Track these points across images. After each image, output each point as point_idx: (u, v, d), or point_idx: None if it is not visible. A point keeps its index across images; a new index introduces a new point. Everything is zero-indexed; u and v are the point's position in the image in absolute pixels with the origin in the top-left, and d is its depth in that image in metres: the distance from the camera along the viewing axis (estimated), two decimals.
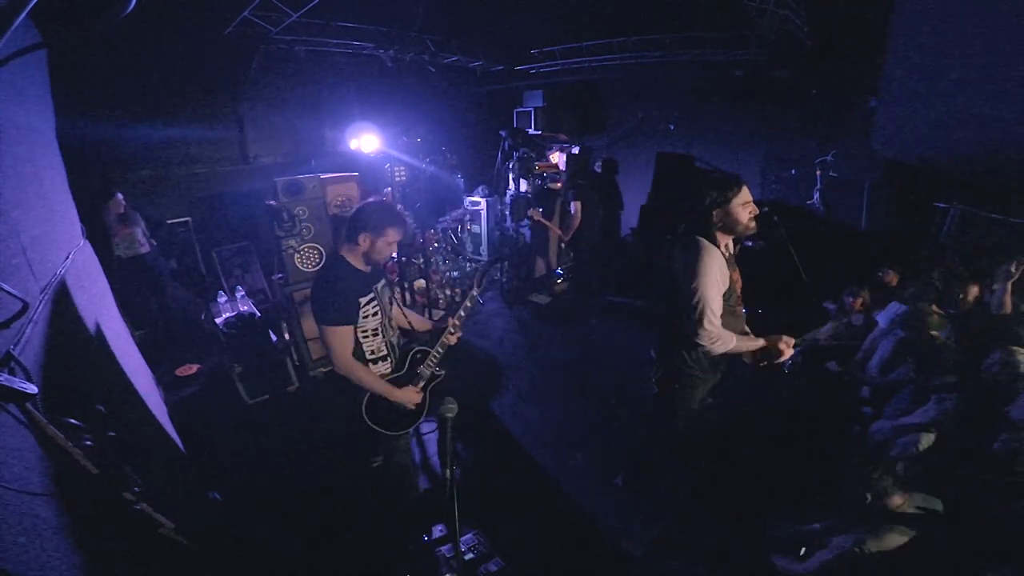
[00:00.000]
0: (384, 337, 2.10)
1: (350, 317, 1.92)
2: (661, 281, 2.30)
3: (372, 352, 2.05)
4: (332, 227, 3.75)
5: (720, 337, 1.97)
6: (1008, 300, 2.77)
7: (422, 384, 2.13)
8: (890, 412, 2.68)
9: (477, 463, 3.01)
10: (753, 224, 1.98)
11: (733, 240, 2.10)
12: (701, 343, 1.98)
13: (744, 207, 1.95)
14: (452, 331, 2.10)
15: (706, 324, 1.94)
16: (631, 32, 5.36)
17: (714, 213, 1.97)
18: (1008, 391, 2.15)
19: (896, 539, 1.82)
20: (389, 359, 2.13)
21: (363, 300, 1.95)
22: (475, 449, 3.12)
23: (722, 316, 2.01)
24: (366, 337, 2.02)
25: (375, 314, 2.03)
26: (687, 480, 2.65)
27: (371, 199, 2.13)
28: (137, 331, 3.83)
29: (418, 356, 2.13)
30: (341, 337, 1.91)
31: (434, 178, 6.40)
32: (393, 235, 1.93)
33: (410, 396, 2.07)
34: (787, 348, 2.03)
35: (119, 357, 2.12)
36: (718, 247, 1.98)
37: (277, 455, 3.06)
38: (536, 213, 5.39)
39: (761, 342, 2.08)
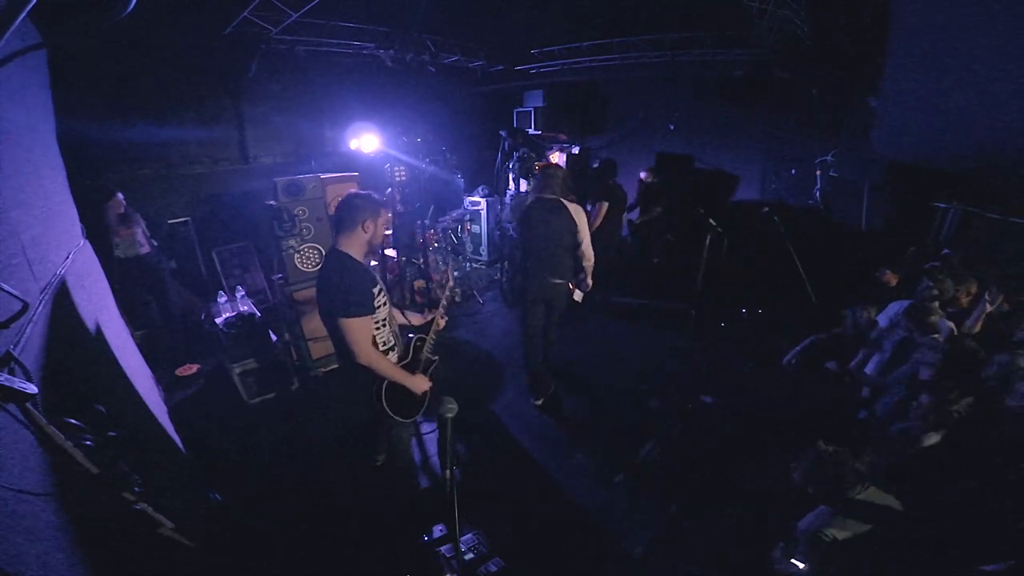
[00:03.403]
0: (390, 327, 2.18)
1: (369, 306, 1.96)
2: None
3: (383, 343, 2.10)
4: (332, 227, 3.75)
5: None
6: (979, 325, 2.78)
7: (425, 370, 2.25)
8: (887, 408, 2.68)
9: (477, 463, 3.01)
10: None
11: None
12: None
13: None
14: (442, 316, 2.37)
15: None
16: (631, 32, 5.36)
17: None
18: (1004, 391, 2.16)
19: (856, 527, 1.90)
20: (396, 348, 2.21)
21: (375, 290, 2.02)
22: (475, 449, 3.12)
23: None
24: (378, 328, 2.07)
25: (384, 304, 2.11)
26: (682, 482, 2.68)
27: (352, 191, 2.13)
28: (137, 331, 3.83)
29: (419, 344, 2.24)
30: (364, 328, 1.94)
31: (434, 178, 6.39)
32: (385, 215, 2.07)
33: (422, 383, 2.16)
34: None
35: (119, 357, 2.12)
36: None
37: (277, 455, 3.05)
38: None
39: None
